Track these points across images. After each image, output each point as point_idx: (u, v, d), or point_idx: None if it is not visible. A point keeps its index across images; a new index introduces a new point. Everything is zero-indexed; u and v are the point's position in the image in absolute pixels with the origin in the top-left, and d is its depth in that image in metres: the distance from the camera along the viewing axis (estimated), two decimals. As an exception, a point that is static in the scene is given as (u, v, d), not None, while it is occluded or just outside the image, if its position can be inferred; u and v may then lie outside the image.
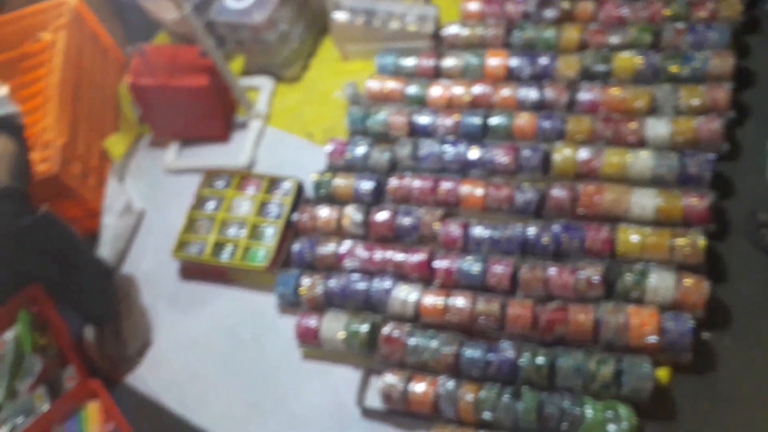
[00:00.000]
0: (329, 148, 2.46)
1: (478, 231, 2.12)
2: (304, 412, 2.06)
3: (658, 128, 2.16)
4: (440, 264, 2.08)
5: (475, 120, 2.36)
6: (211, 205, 2.53)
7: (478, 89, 2.43)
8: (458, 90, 2.46)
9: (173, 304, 2.42)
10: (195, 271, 2.45)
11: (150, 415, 2.21)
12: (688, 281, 1.85)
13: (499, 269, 2.00)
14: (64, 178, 2.46)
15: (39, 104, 2.61)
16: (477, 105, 2.43)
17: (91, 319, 2.28)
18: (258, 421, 2.09)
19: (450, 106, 2.46)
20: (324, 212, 2.32)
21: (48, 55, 2.70)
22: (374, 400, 1.96)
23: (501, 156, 2.24)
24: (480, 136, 2.35)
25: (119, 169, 2.84)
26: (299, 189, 2.45)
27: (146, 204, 2.72)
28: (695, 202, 1.98)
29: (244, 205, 2.48)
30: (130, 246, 2.61)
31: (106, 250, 2.48)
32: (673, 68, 2.28)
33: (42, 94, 2.62)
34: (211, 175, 2.59)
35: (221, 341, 2.29)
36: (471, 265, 2.03)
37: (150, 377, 2.30)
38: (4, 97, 2.08)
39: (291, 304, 2.22)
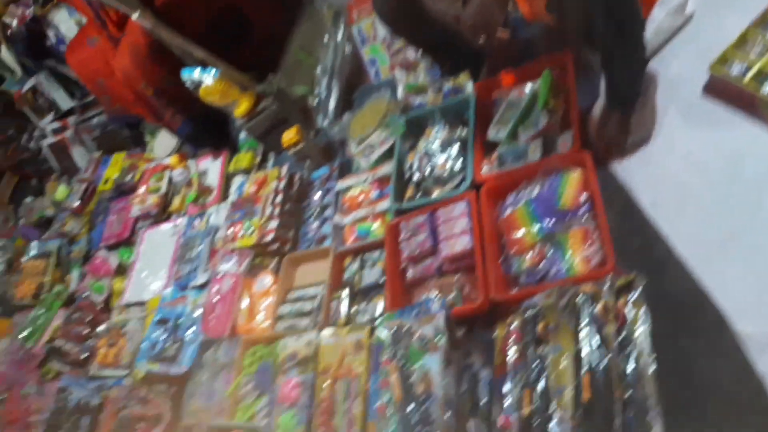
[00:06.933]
0: None
1: None
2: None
3: None
4: None
5: None
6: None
7: None
8: None
9: (685, 115, 2.34)
10: (723, 91, 2.28)
11: (620, 205, 2.31)
12: None
13: None
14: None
15: None
16: None
17: (614, 96, 2.36)
18: (728, 257, 1.99)
19: None
20: None
21: None
22: None
23: None
24: None
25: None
26: None
27: (700, 8, 2.53)
28: None
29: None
30: (665, 46, 2.54)
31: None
32: None
33: None
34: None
35: (719, 168, 2.16)
36: None
37: (634, 172, 2.36)
38: None
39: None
